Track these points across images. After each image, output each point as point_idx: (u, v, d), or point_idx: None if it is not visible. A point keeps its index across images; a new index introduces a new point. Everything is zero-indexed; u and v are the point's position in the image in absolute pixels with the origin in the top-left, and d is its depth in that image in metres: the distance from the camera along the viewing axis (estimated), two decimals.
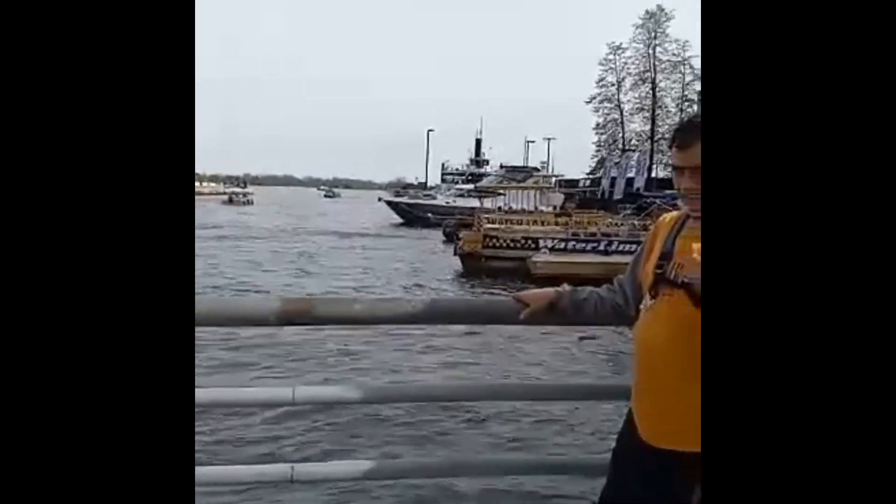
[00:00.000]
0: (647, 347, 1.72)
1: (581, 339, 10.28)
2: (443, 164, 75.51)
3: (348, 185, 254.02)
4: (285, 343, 9.02)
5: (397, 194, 55.24)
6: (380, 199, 50.62)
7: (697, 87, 51.28)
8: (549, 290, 1.96)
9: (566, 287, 1.96)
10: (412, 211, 45.92)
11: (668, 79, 57.27)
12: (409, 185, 76.12)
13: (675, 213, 1.83)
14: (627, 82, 58.63)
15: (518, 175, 44.32)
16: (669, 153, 1.76)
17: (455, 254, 20.83)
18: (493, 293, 15.55)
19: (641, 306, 1.79)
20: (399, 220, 45.74)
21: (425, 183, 73.49)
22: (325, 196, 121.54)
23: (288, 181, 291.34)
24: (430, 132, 76.82)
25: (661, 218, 1.89)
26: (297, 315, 1.93)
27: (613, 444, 1.88)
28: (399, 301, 2.00)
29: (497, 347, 10.08)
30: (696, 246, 1.63)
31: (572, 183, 50.65)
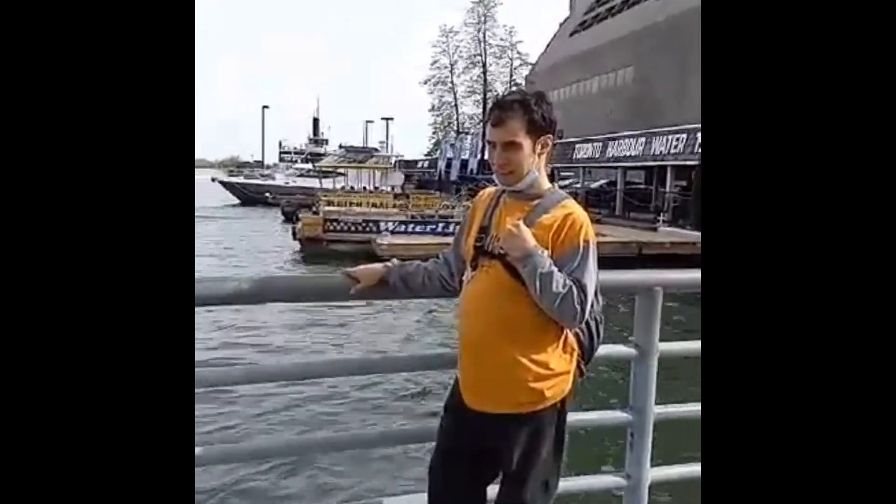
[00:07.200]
0: (469, 316, 1.82)
1: None
2: (280, 143, 73.04)
3: None
4: None
5: (231, 173, 52.58)
6: (213, 180, 47.65)
7: (525, 72, 53.70)
8: (378, 265, 1.99)
9: (395, 262, 2.00)
10: (249, 191, 44.12)
11: (498, 63, 59.35)
12: (244, 164, 72.69)
13: (491, 189, 1.93)
14: (460, 65, 60.06)
15: (358, 155, 44.04)
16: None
17: (294, 237, 20.36)
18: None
19: (464, 278, 1.88)
20: (235, 200, 43.75)
21: (262, 161, 70.74)
22: None
23: None
24: (266, 109, 74.00)
25: (479, 194, 1.98)
26: None
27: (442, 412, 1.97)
28: (224, 280, 1.90)
29: None
30: (510, 219, 1.74)
31: (411, 164, 51.25)
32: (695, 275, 2.46)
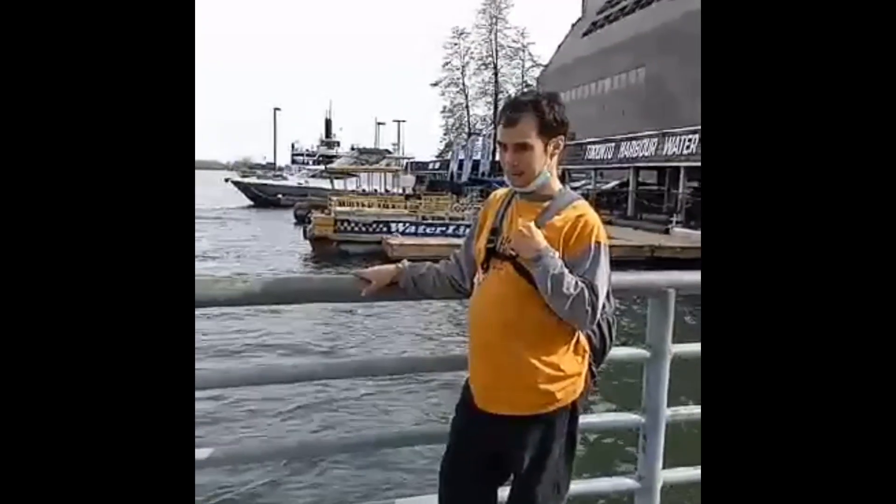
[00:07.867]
0: (480, 318, 1.80)
1: None
2: (292, 145, 73.53)
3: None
4: None
5: (244, 175, 52.95)
6: (227, 180, 48.09)
7: (536, 73, 53.49)
8: (390, 266, 1.98)
9: (405, 263, 1.99)
10: (262, 192, 44.46)
11: (509, 64, 59.07)
12: (257, 165, 73.22)
13: (503, 190, 1.92)
14: (471, 66, 59.80)
15: (371, 157, 44.17)
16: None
17: (305, 237, 20.48)
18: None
19: (475, 280, 1.87)
20: (248, 201, 44.13)
21: (274, 163, 71.20)
22: None
23: None
24: (278, 111, 74.54)
25: (491, 195, 1.97)
26: None
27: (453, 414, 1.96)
28: (232, 279, 1.89)
29: None
30: (521, 220, 1.73)
31: (422, 165, 51.27)
32: None
